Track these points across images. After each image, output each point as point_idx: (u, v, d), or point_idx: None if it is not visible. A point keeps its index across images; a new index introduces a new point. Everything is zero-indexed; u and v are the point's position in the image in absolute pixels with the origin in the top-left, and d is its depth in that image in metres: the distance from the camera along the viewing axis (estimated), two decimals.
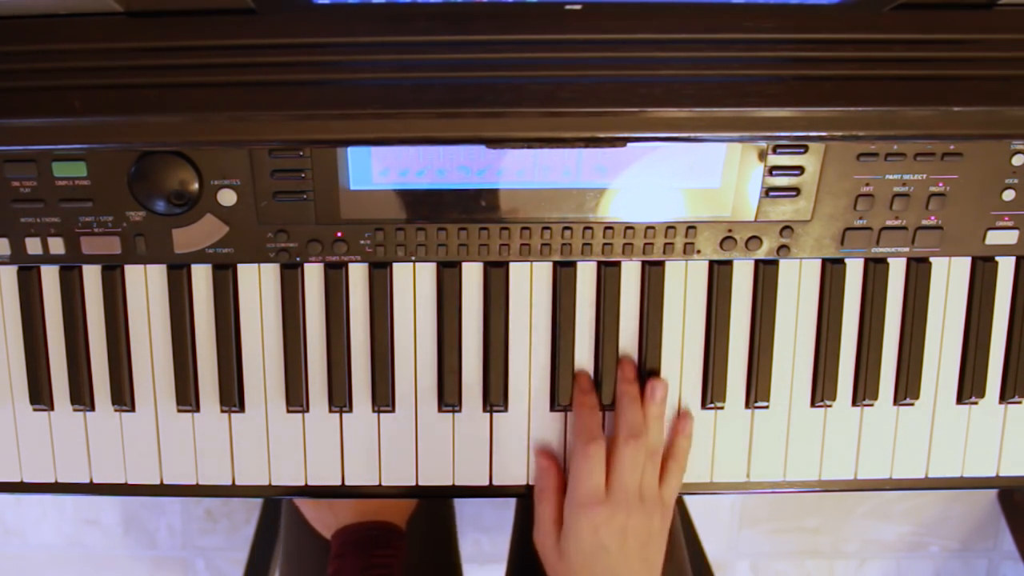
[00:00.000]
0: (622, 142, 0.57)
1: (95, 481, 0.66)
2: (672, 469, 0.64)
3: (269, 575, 1.09)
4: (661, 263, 0.64)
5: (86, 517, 1.48)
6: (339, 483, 0.66)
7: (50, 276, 0.63)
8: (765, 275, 0.64)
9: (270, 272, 0.64)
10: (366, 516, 0.74)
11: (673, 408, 0.66)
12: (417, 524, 0.82)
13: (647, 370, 0.65)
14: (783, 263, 0.64)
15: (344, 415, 0.66)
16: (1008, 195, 0.62)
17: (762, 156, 0.60)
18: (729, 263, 0.64)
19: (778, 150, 0.60)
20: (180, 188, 0.59)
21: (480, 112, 0.55)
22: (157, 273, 0.63)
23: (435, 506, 0.90)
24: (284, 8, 0.55)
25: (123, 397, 0.64)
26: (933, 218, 0.63)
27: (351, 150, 0.59)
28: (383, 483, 0.66)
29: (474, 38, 0.55)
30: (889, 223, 0.63)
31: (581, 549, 0.61)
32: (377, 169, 0.60)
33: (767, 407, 0.66)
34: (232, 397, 0.64)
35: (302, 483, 0.66)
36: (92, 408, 0.65)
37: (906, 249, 0.64)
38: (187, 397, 0.64)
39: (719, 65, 0.55)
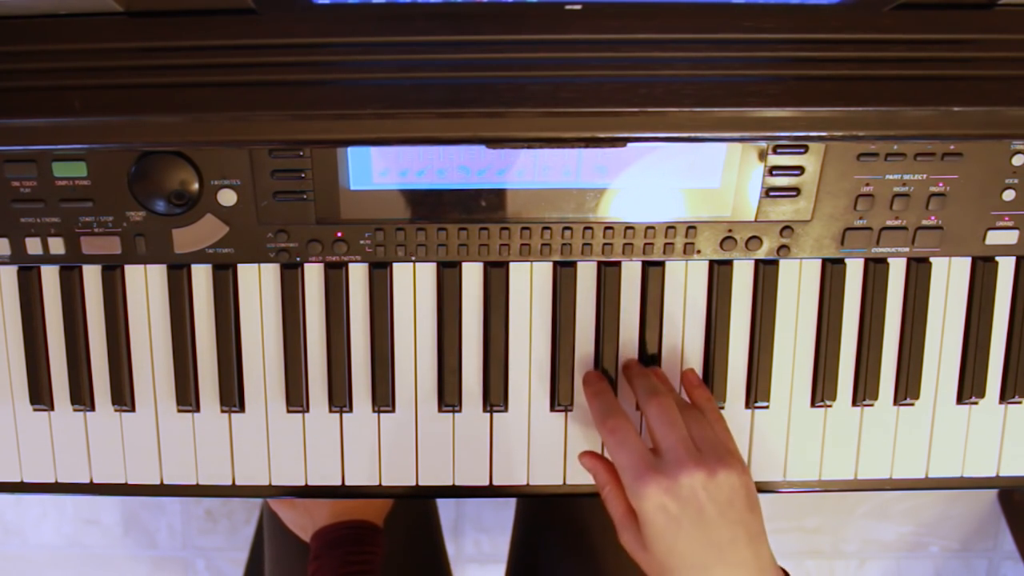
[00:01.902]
0: (622, 142, 0.57)
1: (95, 481, 0.66)
2: (714, 417, 0.59)
3: None
4: (661, 263, 0.64)
5: (86, 517, 1.48)
6: (339, 483, 0.66)
7: (50, 276, 0.63)
8: (765, 275, 0.64)
9: (270, 272, 0.64)
10: (342, 516, 0.74)
11: None
12: (396, 521, 0.83)
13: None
14: (783, 263, 0.64)
15: (344, 415, 0.66)
16: (1008, 195, 0.62)
17: (762, 156, 0.60)
18: (729, 263, 0.64)
19: (778, 150, 0.60)
20: (180, 188, 0.59)
21: (480, 112, 0.55)
22: (157, 273, 0.63)
23: (414, 503, 0.89)
24: (284, 8, 0.55)
25: (123, 397, 0.64)
26: (933, 218, 0.63)
27: (351, 150, 0.59)
28: (383, 483, 0.66)
29: (474, 38, 0.55)
30: (889, 223, 0.63)
31: (658, 533, 0.53)
32: (377, 169, 0.60)
33: (767, 407, 0.66)
34: (232, 397, 0.64)
35: (302, 483, 0.66)
36: (92, 408, 0.65)
37: (906, 249, 0.64)
38: (187, 397, 0.64)
39: (719, 65, 0.55)
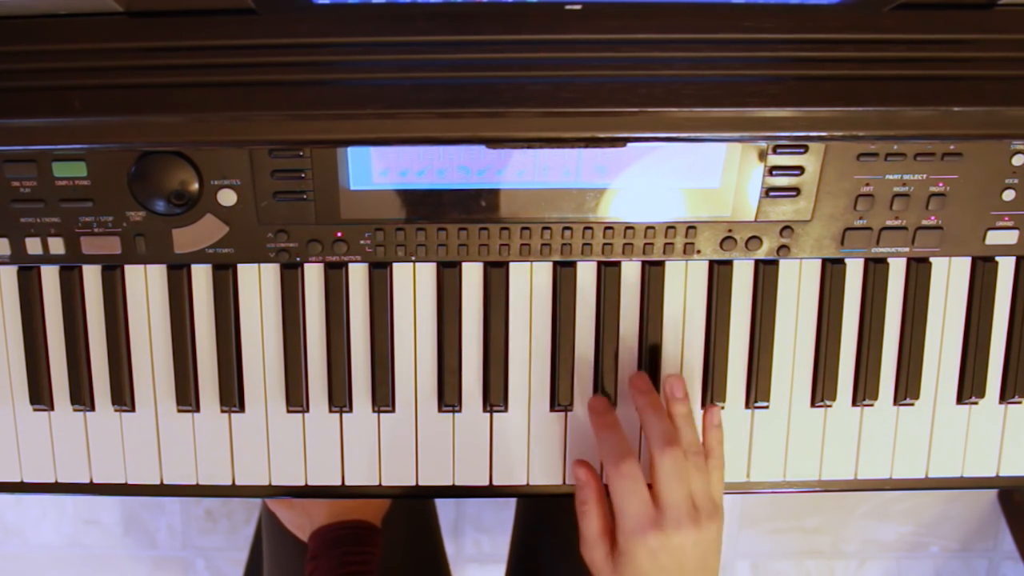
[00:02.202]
0: (622, 142, 0.57)
1: (95, 481, 0.66)
2: (713, 465, 0.62)
3: None
4: (661, 263, 0.64)
5: (86, 517, 1.48)
6: (339, 483, 0.66)
7: (50, 276, 0.63)
8: (765, 275, 0.64)
9: (270, 272, 0.64)
10: (340, 516, 0.74)
11: None
12: (394, 521, 0.83)
13: (647, 370, 0.65)
14: (783, 263, 0.64)
15: (344, 415, 0.66)
16: (1008, 195, 0.62)
17: (762, 156, 0.60)
18: (729, 263, 0.64)
19: (778, 150, 0.60)
20: (180, 188, 0.59)
21: (480, 112, 0.55)
22: (157, 273, 0.63)
23: (412, 503, 0.90)
24: (284, 8, 0.55)
25: (123, 397, 0.64)
26: (933, 218, 0.63)
27: (351, 150, 0.59)
28: (383, 483, 0.66)
29: (474, 38, 0.55)
30: (889, 223, 0.63)
31: (638, 572, 0.58)
32: (377, 169, 0.60)
33: (767, 407, 0.66)
34: (232, 397, 0.64)
35: (302, 483, 0.66)
36: (92, 408, 0.65)
37: (906, 249, 0.64)
38: (187, 397, 0.64)
39: (719, 65, 0.55)
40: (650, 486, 0.59)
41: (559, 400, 0.65)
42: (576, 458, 0.64)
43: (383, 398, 0.65)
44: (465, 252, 0.63)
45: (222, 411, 0.65)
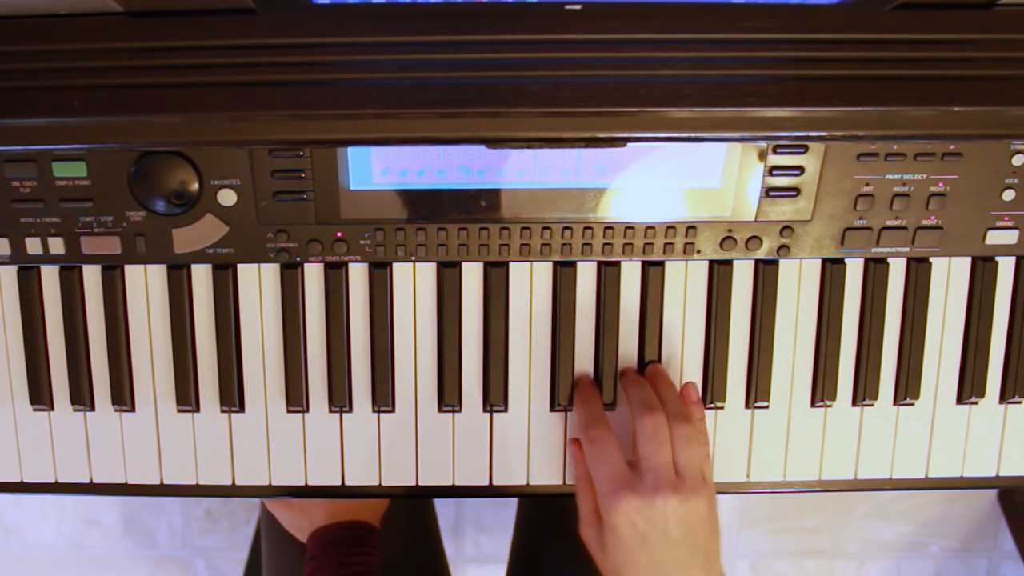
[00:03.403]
0: (622, 142, 0.57)
1: (95, 481, 0.66)
2: (700, 440, 0.59)
3: None
4: (661, 263, 0.64)
5: (86, 517, 1.48)
6: (339, 483, 0.66)
7: (50, 276, 0.63)
8: (765, 275, 0.64)
9: (270, 272, 0.64)
10: (338, 517, 0.74)
11: None
12: (393, 522, 0.82)
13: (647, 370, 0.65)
14: (783, 263, 0.64)
15: (344, 415, 0.66)
16: (1008, 195, 0.62)
17: (762, 156, 0.60)
18: (729, 263, 0.64)
19: (778, 150, 0.60)
20: (180, 188, 0.59)
21: (480, 112, 0.55)
22: (157, 273, 0.63)
23: (411, 503, 0.90)
24: (284, 8, 0.55)
25: (123, 397, 0.64)
26: (933, 218, 0.63)
27: (351, 150, 0.59)
28: (383, 483, 0.66)
29: (474, 38, 0.55)
30: (889, 223, 0.63)
31: (621, 543, 0.56)
32: (377, 169, 0.60)
33: (767, 407, 0.66)
34: (232, 397, 0.64)
35: (302, 483, 0.66)
36: (92, 408, 0.65)
37: (906, 249, 0.64)
38: (187, 397, 0.64)
39: (719, 65, 0.55)
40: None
41: (559, 400, 0.65)
42: (573, 438, 0.64)
43: (383, 398, 0.65)
44: (465, 252, 0.63)
45: (222, 411, 0.65)
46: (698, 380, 0.66)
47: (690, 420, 0.59)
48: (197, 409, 0.65)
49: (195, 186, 0.60)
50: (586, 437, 0.59)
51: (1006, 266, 0.65)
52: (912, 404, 0.67)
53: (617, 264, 0.64)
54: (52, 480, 0.66)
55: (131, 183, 0.60)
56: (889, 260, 0.64)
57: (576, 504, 0.62)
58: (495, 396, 0.65)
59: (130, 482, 0.66)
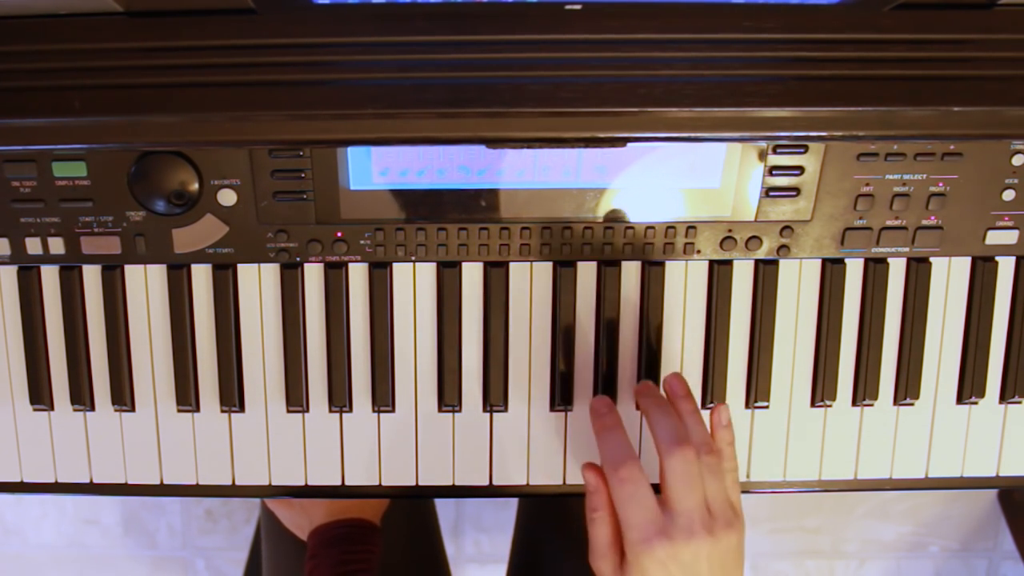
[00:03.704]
0: (622, 142, 0.57)
1: (95, 481, 0.66)
2: (727, 468, 0.57)
3: None
4: (661, 263, 0.64)
5: (86, 517, 1.48)
6: (339, 483, 0.66)
7: (50, 276, 0.63)
8: (765, 275, 0.64)
9: (270, 272, 0.64)
10: (339, 515, 0.74)
11: None
12: (393, 520, 0.82)
13: (647, 370, 0.65)
14: (783, 263, 0.64)
15: (344, 415, 0.66)
16: (1008, 195, 0.62)
17: (762, 156, 0.60)
18: (729, 263, 0.64)
19: (778, 150, 0.60)
20: (180, 188, 0.59)
21: (480, 112, 0.55)
22: (157, 273, 0.63)
23: (411, 501, 0.89)
24: (284, 8, 0.55)
25: (123, 397, 0.64)
26: (933, 218, 0.63)
27: (351, 150, 0.59)
28: (383, 483, 0.66)
29: (474, 38, 0.55)
30: (889, 223, 0.63)
31: None
32: (377, 169, 0.60)
33: (767, 407, 0.66)
34: (232, 397, 0.64)
35: (302, 483, 0.66)
36: (92, 408, 0.65)
37: (906, 249, 0.64)
38: (187, 397, 0.64)
39: (719, 65, 0.55)
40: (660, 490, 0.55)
41: (559, 400, 0.65)
42: (584, 460, 0.60)
43: (383, 398, 0.65)
44: (465, 252, 0.63)
45: (222, 411, 0.65)
46: (698, 380, 0.66)
47: (716, 450, 0.56)
48: (197, 409, 0.65)
49: (195, 186, 0.60)
50: (616, 477, 0.55)
51: (1006, 266, 0.65)
52: (912, 404, 0.67)
53: (617, 264, 0.64)
54: (52, 480, 0.66)
55: (131, 183, 0.60)
56: (889, 260, 0.64)
57: (584, 526, 0.58)
58: (495, 396, 0.65)
59: (130, 482, 0.66)
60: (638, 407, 0.64)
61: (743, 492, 0.67)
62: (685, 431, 0.56)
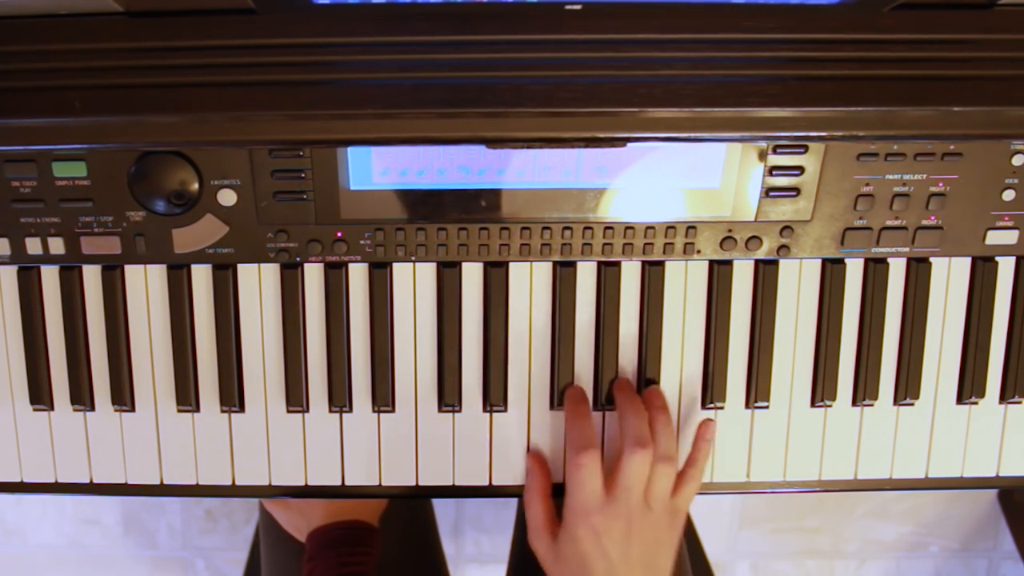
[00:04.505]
0: (622, 142, 0.57)
1: (95, 481, 0.66)
2: (690, 475, 0.63)
3: None
4: (661, 263, 0.64)
5: (86, 517, 1.48)
6: (339, 483, 0.66)
7: (50, 276, 0.63)
8: (765, 275, 0.64)
9: (270, 272, 0.64)
10: (337, 516, 0.74)
11: (672, 409, 0.66)
12: (391, 521, 0.82)
13: (647, 370, 0.65)
14: (783, 263, 0.64)
15: (344, 415, 0.66)
16: (1008, 195, 0.62)
17: (762, 156, 0.60)
18: (729, 263, 0.64)
19: (778, 150, 0.60)
20: (180, 188, 0.59)
21: (480, 112, 0.55)
22: (157, 273, 0.63)
23: (409, 502, 0.90)
24: (284, 8, 0.55)
25: (123, 397, 0.64)
26: (933, 218, 0.63)
27: (351, 150, 0.59)
28: (383, 483, 0.66)
29: (474, 38, 0.55)
30: (889, 223, 0.63)
31: (580, 552, 0.60)
32: (377, 169, 0.60)
33: (767, 407, 0.66)
34: (232, 397, 0.64)
35: (302, 483, 0.66)
36: (92, 408, 0.65)
37: (906, 249, 0.64)
38: (187, 397, 0.64)
39: (719, 65, 0.55)
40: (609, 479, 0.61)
41: (559, 400, 0.65)
42: (531, 450, 0.66)
43: (383, 398, 0.65)
44: (465, 252, 0.63)
45: (222, 411, 0.65)
46: (698, 380, 0.66)
47: (673, 462, 0.61)
48: (197, 409, 0.65)
49: (195, 186, 0.60)
50: (575, 461, 0.61)
51: (1006, 266, 0.65)
52: (912, 404, 0.67)
53: (617, 264, 0.64)
54: (52, 480, 0.66)
55: (131, 183, 0.60)
56: (889, 260, 0.64)
57: (525, 513, 0.64)
58: (495, 396, 0.65)
59: (130, 482, 0.66)
60: (610, 398, 0.65)
61: (743, 492, 0.68)
62: (649, 436, 0.61)
